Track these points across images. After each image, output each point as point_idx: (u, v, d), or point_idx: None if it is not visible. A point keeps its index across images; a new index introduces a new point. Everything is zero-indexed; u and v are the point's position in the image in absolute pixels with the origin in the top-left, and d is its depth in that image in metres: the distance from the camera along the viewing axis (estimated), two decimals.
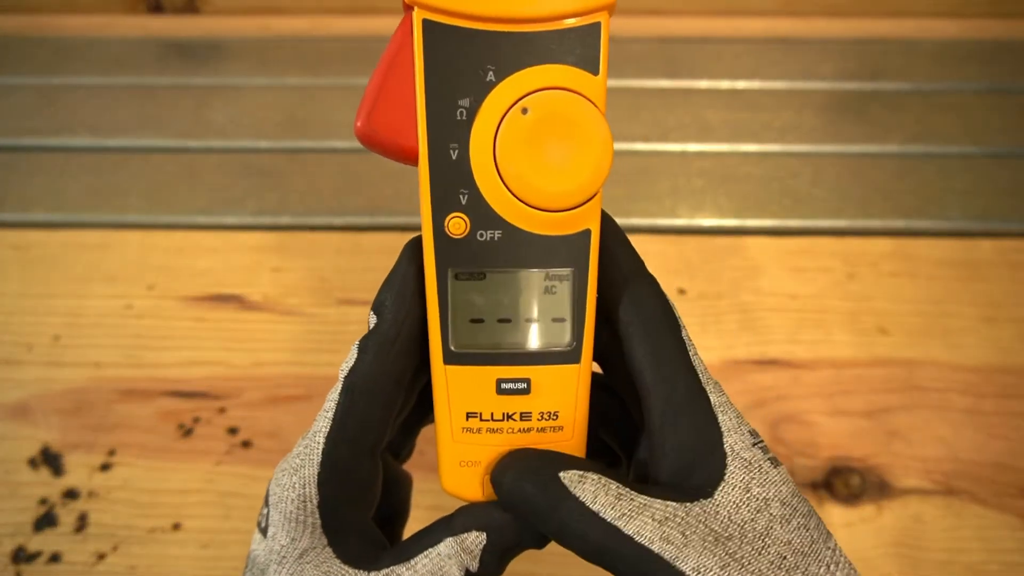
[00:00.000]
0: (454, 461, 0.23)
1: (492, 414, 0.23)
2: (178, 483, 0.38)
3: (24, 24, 0.59)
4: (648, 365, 0.21)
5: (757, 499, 0.20)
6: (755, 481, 0.20)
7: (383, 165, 0.51)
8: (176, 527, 0.37)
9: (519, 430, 0.23)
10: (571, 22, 0.20)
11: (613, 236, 0.23)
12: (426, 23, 0.20)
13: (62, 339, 0.43)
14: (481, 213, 0.21)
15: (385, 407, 0.22)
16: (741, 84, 0.55)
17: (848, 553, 0.37)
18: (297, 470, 0.22)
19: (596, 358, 0.24)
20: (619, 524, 0.19)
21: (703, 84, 0.55)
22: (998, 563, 0.36)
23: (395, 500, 0.26)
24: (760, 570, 0.19)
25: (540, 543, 0.22)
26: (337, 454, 0.22)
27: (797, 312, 0.44)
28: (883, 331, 0.43)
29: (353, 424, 0.22)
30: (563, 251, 0.22)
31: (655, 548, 0.18)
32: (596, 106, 0.21)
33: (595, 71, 0.21)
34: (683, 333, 0.22)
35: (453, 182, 0.21)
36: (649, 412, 0.21)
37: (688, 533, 0.19)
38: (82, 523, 0.37)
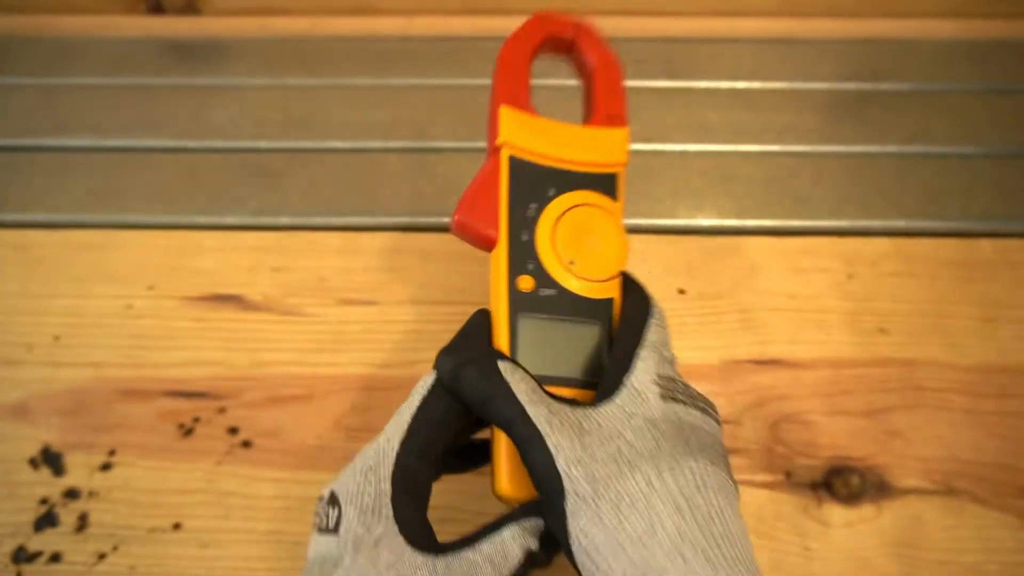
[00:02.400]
0: (515, 463, 0.28)
1: None
2: (178, 483, 0.38)
3: (24, 24, 0.59)
4: (619, 339, 0.29)
5: (625, 412, 0.26)
6: (633, 403, 0.26)
7: (383, 165, 0.51)
8: (176, 527, 0.37)
9: None
10: (601, 169, 0.32)
11: (632, 283, 0.31)
12: (512, 158, 0.31)
13: (62, 339, 0.43)
14: (542, 276, 0.30)
15: (452, 430, 0.28)
16: (741, 84, 0.55)
17: (848, 553, 0.37)
18: (373, 468, 0.26)
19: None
20: (526, 406, 0.26)
21: (703, 84, 0.55)
22: (998, 563, 0.36)
23: None
24: (596, 455, 0.25)
25: (546, 560, 0.27)
26: (406, 459, 0.27)
27: (797, 312, 0.44)
28: (883, 331, 0.43)
29: (423, 437, 0.27)
30: (596, 309, 0.31)
31: (539, 426, 0.25)
32: (615, 218, 0.32)
33: (614, 198, 0.32)
34: (652, 320, 0.29)
35: (524, 255, 0.31)
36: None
37: (563, 423, 0.26)
38: (82, 523, 0.37)
